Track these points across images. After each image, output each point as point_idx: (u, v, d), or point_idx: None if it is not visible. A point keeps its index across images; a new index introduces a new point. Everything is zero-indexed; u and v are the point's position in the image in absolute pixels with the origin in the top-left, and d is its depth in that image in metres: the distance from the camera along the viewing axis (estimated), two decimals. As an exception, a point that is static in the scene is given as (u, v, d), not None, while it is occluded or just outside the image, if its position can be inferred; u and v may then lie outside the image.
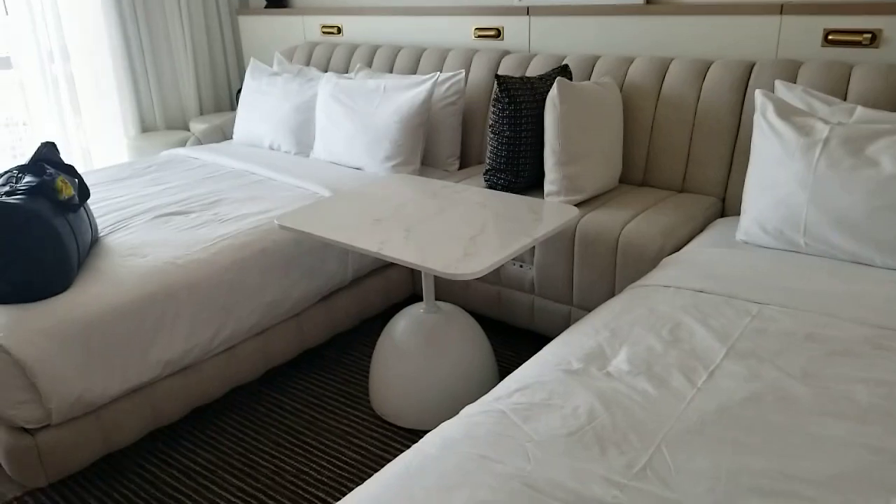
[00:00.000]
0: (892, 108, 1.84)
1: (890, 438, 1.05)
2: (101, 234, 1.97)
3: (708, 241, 1.89)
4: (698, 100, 2.18)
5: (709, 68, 2.18)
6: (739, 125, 2.12)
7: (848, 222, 1.62)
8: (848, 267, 1.62)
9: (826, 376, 1.21)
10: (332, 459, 1.74)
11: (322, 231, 1.71)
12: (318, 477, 1.68)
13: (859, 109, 1.79)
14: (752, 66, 2.11)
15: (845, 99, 1.91)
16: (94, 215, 2.02)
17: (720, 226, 2.00)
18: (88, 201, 1.92)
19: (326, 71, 3.07)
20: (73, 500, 1.64)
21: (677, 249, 1.87)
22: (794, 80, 1.99)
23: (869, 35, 1.96)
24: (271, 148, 2.91)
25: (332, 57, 3.17)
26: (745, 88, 2.10)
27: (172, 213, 2.13)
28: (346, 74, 2.87)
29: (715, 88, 2.15)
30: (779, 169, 1.75)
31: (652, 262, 1.84)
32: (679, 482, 0.98)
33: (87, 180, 1.96)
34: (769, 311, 1.44)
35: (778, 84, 1.95)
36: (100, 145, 3.43)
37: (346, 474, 1.68)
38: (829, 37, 2.03)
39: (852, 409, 1.12)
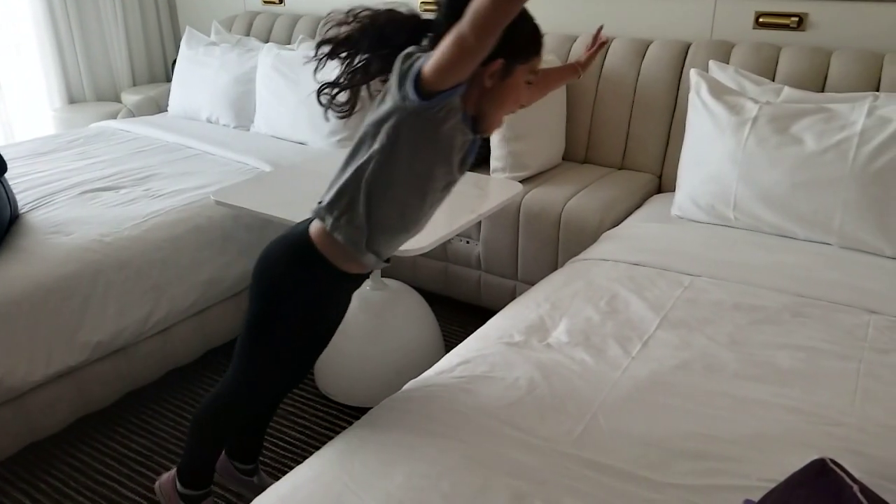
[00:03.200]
0: (816, 89, 1.93)
1: (807, 399, 1.12)
2: (21, 212, 1.85)
3: (644, 217, 1.95)
4: (638, 78, 2.22)
5: (648, 48, 2.23)
6: (676, 104, 2.18)
7: (773, 197, 1.70)
8: (773, 239, 1.71)
9: (750, 343, 1.28)
10: (275, 440, 1.71)
11: (261, 207, 1.66)
12: (261, 458, 1.65)
13: (786, 89, 1.87)
14: (689, 46, 2.17)
15: (774, 79, 1.99)
16: (14, 191, 1.89)
17: (656, 202, 2.07)
18: (6, 175, 1.79)
19: (267, 42, 2.95)
20: (-4, 492, 1.55)
21: (616, 224, 1.92)
22: (727, 61, 2.06)
23: (796, 18, 2.05)
24: (209, 121, 2.79)
25: (274, 28, 3.04)
26: (682, 68, 2.16)
27: (101, 189, 2.02)
28: (287, 46, 2.76)
29: (653, 67, 2.19)
30: (711, 146, 1.81)
31: (592, 237, 1.88)
32: (613, 448, 1.01)
33: (7, 154, 1.84)
34: (700, 283, 1.50)
35: (712, 64, 2.01)
36: (22, 117, 3.19)
37: (290, 454, 1.66)
38: (760, 19, 2.10)
39: (774, 373, 1.19)
